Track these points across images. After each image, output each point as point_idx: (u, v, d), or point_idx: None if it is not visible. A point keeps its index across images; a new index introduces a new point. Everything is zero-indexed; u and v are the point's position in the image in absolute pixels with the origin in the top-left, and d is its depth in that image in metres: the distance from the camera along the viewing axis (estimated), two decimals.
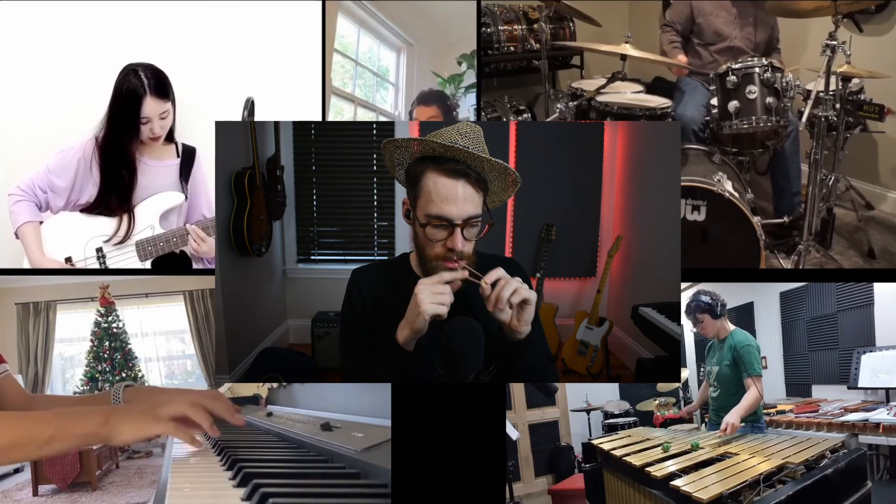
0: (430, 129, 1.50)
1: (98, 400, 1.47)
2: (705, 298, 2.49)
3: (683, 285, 2.68)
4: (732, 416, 2.37)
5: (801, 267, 2.61)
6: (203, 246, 2.32)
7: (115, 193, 2.30)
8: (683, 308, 2.57)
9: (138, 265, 2.34)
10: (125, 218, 2.31)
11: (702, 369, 3.61)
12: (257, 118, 2.45)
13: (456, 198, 1.39)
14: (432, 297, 1.33)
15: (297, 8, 2.55)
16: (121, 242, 2.31)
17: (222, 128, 2.77)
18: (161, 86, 2.23)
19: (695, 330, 2.64)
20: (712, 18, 3.10)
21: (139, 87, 2.20)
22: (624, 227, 4.43)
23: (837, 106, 2.69)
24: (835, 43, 2.42)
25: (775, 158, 2.96)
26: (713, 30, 3.10)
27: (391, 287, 1.57)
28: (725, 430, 2.34)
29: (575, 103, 2.84)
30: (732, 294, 3.74)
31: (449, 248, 1.41)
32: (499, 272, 1.37)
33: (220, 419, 1.47)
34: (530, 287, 1.43)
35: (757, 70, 2.68)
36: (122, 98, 2.22)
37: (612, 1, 3.74)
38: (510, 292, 1.34)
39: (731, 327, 2.54)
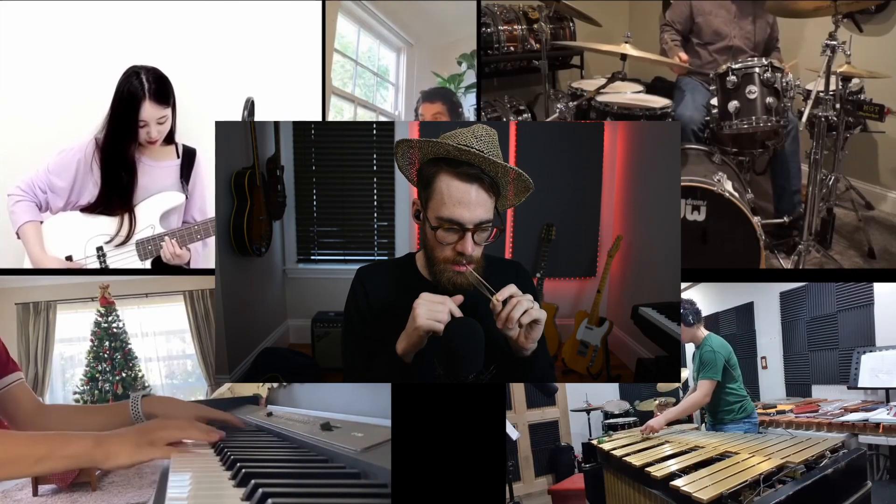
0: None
1: (114, 410, 1.50)
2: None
3: (683, 285, 2.68)
4: (654, 420, 2.44)
5: (801, 267, 2.61)
6: (176, 260, 2.31)
7: (115, 194, 2.30)
8: None
9: (138, 265, 2.34)
10: (126, 218, 2.31)
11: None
12: (257, 118, 2.45)
13: (469, 202, 1.38)
14: (429, 312, 1.32)
15: (297, 8, 2.55)
16: (123, 243, 2.31)
17: (222, 128, 2.78)
18: (161, 91, 2.22)
19: None
20: (711, 18, 3.10)
21: (139, 90, 2.19)
22: (624, 227, 4.43)
23: (837, 106, 2.69)
24: (835, 43, 2.42)
25: (775, 158, 2.96)
26: (712, 29, 3.10)
27: (396, 287, 1.56)
28: (644, 430, 2.39)
29: (575, 103, 2.84)
30: (732, 294, 3.74)
31: (458, 251, 1.40)
32: (511, 289, 1.35)
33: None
34: (536, 296, 1.43)
35: (757, 70, 2.68)
36: (121, 100, 2.21)
37: (612, 1, 3.74)
38: (521, 312, 1.32)
39: (705, 333, 2.59)
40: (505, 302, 1.33)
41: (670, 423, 2.68)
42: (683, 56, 3.11)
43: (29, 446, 1.10)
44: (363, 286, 1.59)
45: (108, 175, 2.29)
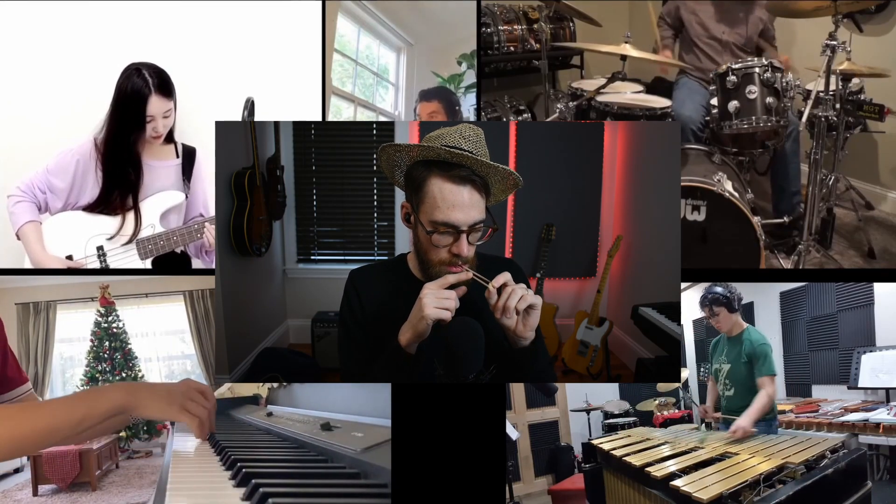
0: (431, 128, 1.48)
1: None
2: (721, 290, 2.43)
3: (683, 285, 2.67)
4: (744, 420, 2.31)
5: (801, 267, 2.60)
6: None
7: (118, 192, 2.30)
8: (698, 300, 2.51)
9: (138, 264, 2.34)
10: (131, 216, 2.31)
11: (703, 367, 3.59)
12: (257, 118, 2.45)
13: (463, 204, 1.38)
14: (437, 301, 1.32)
15: (297, 8, 2.56)
16: (128, 242, 2.31)
17: (222, 128, 2.78)
18: (164, 84, 2.24)
19: (709, 323, 2.59)
20: (701, 14, 3.10)
21: (144, 86, 2.20)
22: (624, 227, 4.43)
23: (837, 106, 2.69)
24: (835, 43, 2.42)
25: (775, 158, 2.96)
26: (703, 25, 3.10)
27: (389, 289, 1.56)
28: (735, 432, 2.29)
29: (575, 103, 2.84)
30: None
31: (454, 253, 1.40)
32: (505, 277, 1.36)
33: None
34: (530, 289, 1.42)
35: (757, 70, 2.68)
36: (126, 97, 2.22)
37: (612, 1, 3.74)
38: (517, 299, 1.33)
39: (745, 324, 2.50)
40: (500, 290, 1.34)
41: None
42: (668, 53, 3.13)
43: (66, 412, 1.13)
44: (356, 289, 1.59)
45: (112, 173, 2.29)
